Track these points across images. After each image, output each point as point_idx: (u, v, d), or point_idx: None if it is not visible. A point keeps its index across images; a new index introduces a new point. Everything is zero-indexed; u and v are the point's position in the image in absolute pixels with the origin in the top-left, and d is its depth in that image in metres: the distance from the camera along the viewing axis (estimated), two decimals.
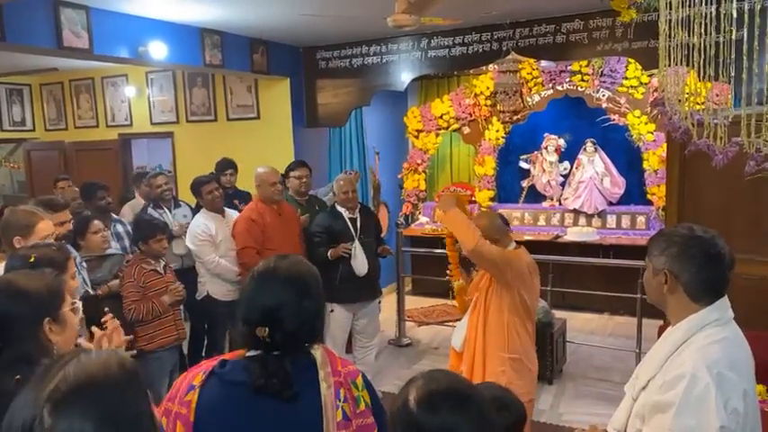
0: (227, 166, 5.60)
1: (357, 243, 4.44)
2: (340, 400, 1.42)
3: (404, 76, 6.09)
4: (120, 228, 4.77)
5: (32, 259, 2.07)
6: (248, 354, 1.46)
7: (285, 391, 1.39)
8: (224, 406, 1.42)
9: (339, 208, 4.54)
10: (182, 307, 4.12)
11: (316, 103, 6.46)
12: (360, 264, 4.41)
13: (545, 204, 7.42)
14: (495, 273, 3.06)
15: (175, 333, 3.77)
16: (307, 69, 6.43)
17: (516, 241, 3.28)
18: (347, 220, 4.49)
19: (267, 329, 1.41)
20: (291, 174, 4.88)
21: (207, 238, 4.53)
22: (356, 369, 1.52)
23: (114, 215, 4.95)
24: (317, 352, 1.48)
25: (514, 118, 7.30)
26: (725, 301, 1.64)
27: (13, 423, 0.88)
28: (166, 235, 4.00)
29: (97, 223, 3.90)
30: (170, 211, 5.19)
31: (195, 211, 5.20)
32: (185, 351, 4.47)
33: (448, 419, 1.11)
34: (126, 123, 7.33)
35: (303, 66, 6.42)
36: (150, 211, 5.11)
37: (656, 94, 4.20)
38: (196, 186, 4.88)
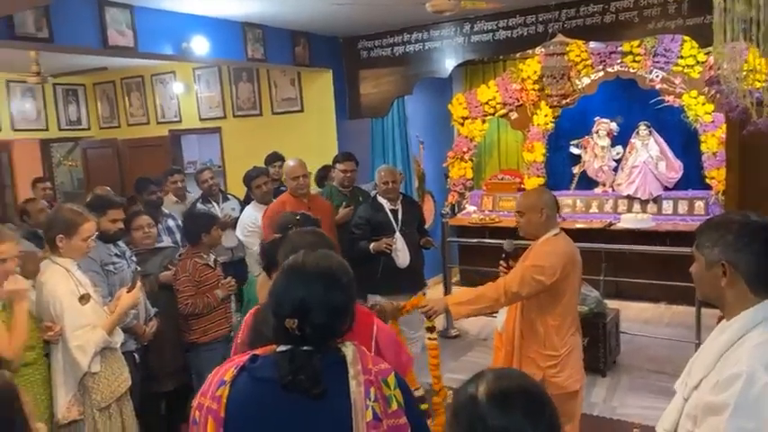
0: (274, 158, 5.66)
1: (399, 235, 4.40)
2: (370, 400, 1.38)
3: (447, 63, 5.97)
4: (170, 222, 4.87)
5: None
6: (278, 349, 1.44)
7: (313, 387, 1.37)
8: (253, 402, 1.40)
9: (380, 199, 4.50)
10: (233, 297, 4.18)
11: (358, 93, 6.43)
12: (402, 256, 4.37)
13: (597, 191, 7.19)
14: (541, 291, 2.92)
15: (227, 326, 3.81)
16: (348, 60, 6.39)
17: (563, 228, 3.13)
18: (388, 212, 4.44)
19: (296, 321, 1.39)
20: (338, 166, 4.88)
21: (255, 229, 4.60)
22: (388, 367, 1.47)
23: (165, 210, 5.06)
24: (348, 349, 1.45)
25: (563, 102, 7.07)
26: None
27: None
28: (219, 224, 4.06)
29: (142, 219, 3.96)
30: (218, 205, 5.27)
31: (244, 203, 5.28)
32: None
33: (518, 421, 1.07)
34: (175, 120, 7.48)
35: (344, 56, 6.39)
36: (199, 205, 5.21)
37: (711, 73, 3.97)
38: (247, 179, 4.99)
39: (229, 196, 5.58)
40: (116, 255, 3.30)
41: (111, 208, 3.30)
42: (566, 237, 2.97)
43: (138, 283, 2.97)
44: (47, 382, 2.68)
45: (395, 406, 1.41)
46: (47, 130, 7.80)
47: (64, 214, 2.77)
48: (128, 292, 2.87)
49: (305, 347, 1.41)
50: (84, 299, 2.65)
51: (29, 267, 2.91)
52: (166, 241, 4.59)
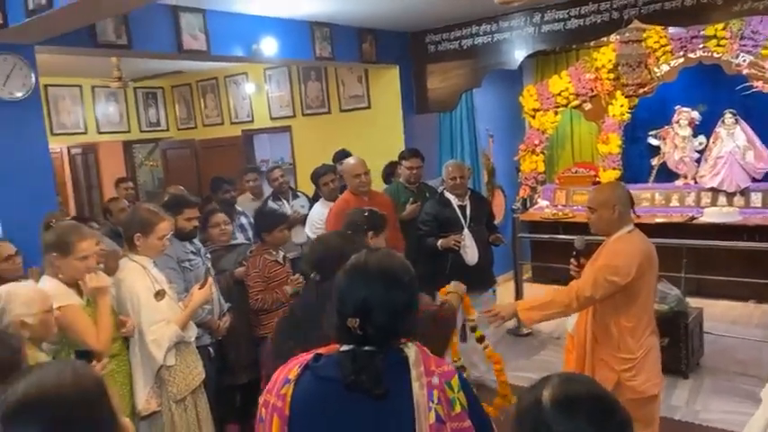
0: (342, 156, 5.70)
1: (467, 231, 4.33)
2: (433, 402, 1.36)
3: (517, 54, 5.83)
4: (243, 220, 5.01)
5: None
6: (341, 348, 1.44)
7: (375, 388, 1.36)
8: (316, 401, 1.41)
9: (448, 195, 4.44)
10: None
11: (425, 88, 6.38)
12: (470, 253, 4.31)
13: (678, 183, 6.84)
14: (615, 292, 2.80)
15: None
16: (415, 55, 6.36)
17: (639, 224, 2.98)
18: (456, 208, 4.39)
19: (357, 321, 1.39)
20: (404, 163, 4.86)
21: (322, 226, 4.65)
22: (452, 369, 1.44)
23: (238, 208, 5.21)
24: (411, 350, 1.43)
25: (640, 91, 6.74)
26: None
27: None
28: (287, 225, 4.14)
29: (219, 216, 4.08)
30: (288, 202, 5.38)
31: (313, 200, 5.36)
32: None
33: (583, 428, 1.04)
34: (248, 120, 7.69)
35: (412, 51, 6.36)
36: (270, 203, 5.33)
37: None
38: (315, 177, 5.06)
39: (299, 194, 5.69)
40: (191, 252, 3.41)
41: (186, 207, 3.41)
42: (640, 233, 2.83)
43: (210, 280, 3.07)
44: (129, 374, 2.80)
45: (458, 408, 1.38)
46: (129, 131, 8.19)
47: (141, 214, 2.88)
48: (199, 288, 2.96)
49: (367, 347, 1.40)
50: (159, 295, 2.76)
51: (110, 265, 3.06)
52: (240, 238, 4.72)
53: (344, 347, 1.43)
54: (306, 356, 1.47)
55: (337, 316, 1.43)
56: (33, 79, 3.74)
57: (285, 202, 5.39)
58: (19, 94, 3.69)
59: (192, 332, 2.97)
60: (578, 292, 2.71)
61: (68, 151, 9.29)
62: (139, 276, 2.78)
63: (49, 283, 2.59)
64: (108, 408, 1.02)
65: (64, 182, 9.53)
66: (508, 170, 7.68)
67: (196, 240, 3.53)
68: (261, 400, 1.47)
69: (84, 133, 7.69)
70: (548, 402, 1.06)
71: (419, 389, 1.36)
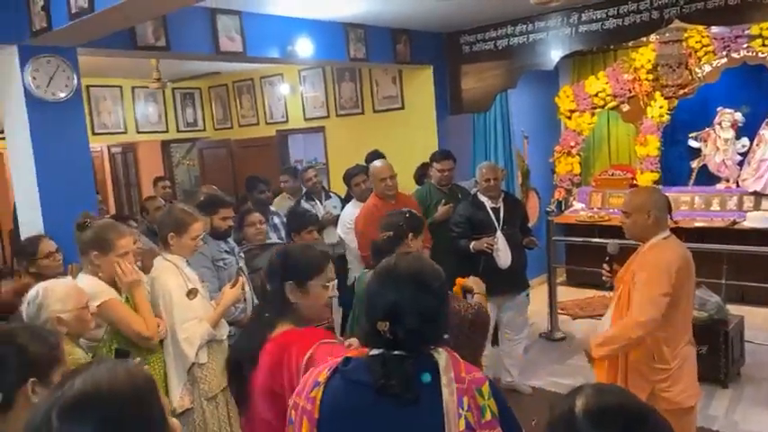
0: (374, 157, 5.70)
1: (500, 234, 4.29)
2: (463, 409, 1.34)
3: (553, 55, 5.75)
4: (276, 219, 5.05)
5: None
6: (371, 352, 1.44)
7: (405, 393, 1.35)
8: (346, 405, 1.41)
9: (481, 197, 4.41)
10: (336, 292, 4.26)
11: (460, 89, 6.34)
12: (503, 256, 4.26)
13: (719, 187, 6.66)
14: None
15: (326, 321, 3.90)
16: (450, 55, 6.33)
17: (677, 228, 2.89)
18: (490, 210, 4.35)
19: (387, 324, 1.39)
20: (435, 165, 4.84)
21: (353, 226, 4.67)
22: (482, 376, 1.43)
23: (272, 208, 5.26)
24: (442, 356, 1.42)
25: (680, 92, 6.60)
26: None
27: (30, 424, 0.97)
28: (317, 226, 4.16)
29: (254, 216, 4.13)
30: (320, 203, 5.41)
31: (345, 201, 5.38)
32: (338, 334, 4.64)
33: None
34: (282, 120, 7.76)
35: (446, 52, 6.33)
36: (303, 203, 5.37)
37: None
38: (347, 178, 5.09)
39: (332, 194, 5.71)
40: (225, 251, 3.46)
41: (221, 207, 3.47)
42: (676, 240, 2.75)
43: (241, 279, 3.10)
44: (164, 373, 2.85)
45: (489, 416, 1.37)
46: (167, 131, 8.35)
47: (175, 214, 2.94)
48: (231, 287, 3.00)
49: (397, 352, 1.40)
50: (191, 293, 2.80)
51: (146, 263, 3.13)
52: (273, 238, 4.77)
53: (374, 351, 1.42)
54: (336, 359, 1.47)
55: (366, 319, 1.43)
56: (75, 80, 3.84)
57: (318, 202, 5.43)
58: (62, 95, 3.79)
59: (224, 330, 3.00)
60: (636, 320, 2.61)
61: (108, 150, 9.54)
62: (172, 275, 2.82)
63: (88, 281, 2.65)
64: (159, 407, 1.04)
65: (104, 180, 9.79)
66: (543, 172, 7.59)
67: (230, 239, 3.58)
68: (290, 402, 1.48)
69: (124, 133, 7.87)
70: (580, 412, 1.05)
71: (449, 395, 1.35)
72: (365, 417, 1.39)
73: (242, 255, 3.67)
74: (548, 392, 4.64)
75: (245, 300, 3.42)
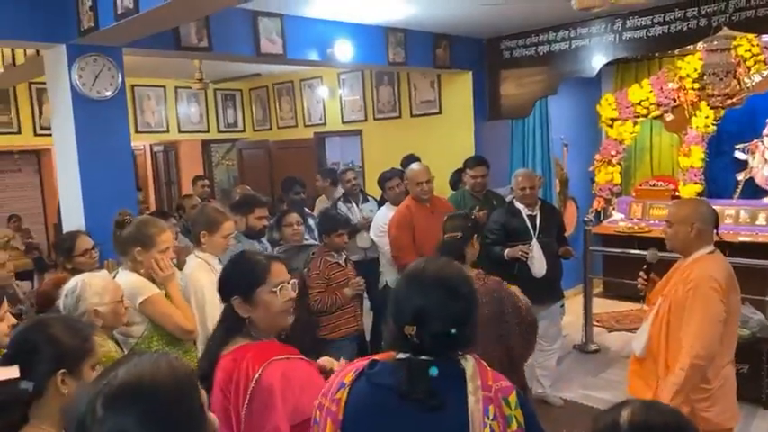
0: (411, 161, 5.69)
1: (535, 242, 4.22)
2: (488, 418, 1.32)
3: (595, 62, 5.65)
4: (311, 221, 5.08)
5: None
6: (397, 356, 1.43)
7: (429, 399, 1.34)
8: (370, 408, 1.40)
9: (517, 204, 4.35)
10: (365, 295, 4.26)
11: (498, 94, 6.29)
12: (538, 265, 4.19)
13: (766, 201, 6.44)
14: None
15: (355, 324, 3.91)
16: (490, 61, 6.28)
17: (721, 242, 2.79)
18: (526, 218, 4.29)
19: (414, 328, 1.38)
20: (468, 171, 4.81)
21: (387, 229, 4.67)
22: (510, 385, 1.40)
23: (307, 209, 5.29)
24: (469, 363, 1.40)
25: (728, 102, 6.41)
26: None
27: (74, 413, 0.99)
28: (348, 230, 4.17)
29: (292, 216, 4.17)
30: (357, 206, 5.43)
31: (380, 204, 5.38)
32: (368, 338, 4.64)
33: None
34: (320, 123, 7.81)
35: (486, 57, 6.28)
36: (340, 205, 5.39)
37: None
38: (381, 181, 5.09)
39: (369, 198, 5.72)
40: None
41: (257, 206, 3.51)
42: (720, 256, 2.66)
43: None
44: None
45: (515, 426, 1.34)
46: (207, 131, 8.50)
47: (207, 212, 2.98)
48: None
49: (423, 357, 1.38)
50: None
51: (182, 260, 3.17)
52: (308, 239, 4.80)
53: (400, 355, 1.41)
54: (362, 361, 1.46)
55: (393, 323, 1.42)
56: (120, 80, 3.94)
57: (354, 204, 5.44)
58: (107, 94, 3.89)
59: None
60: (698, 352, 2.50)
61: (151, 149, 9.74)
62: (204, 272, 2.86)
63: (129, 278, 2.69)
64: (199, 400, 1.05)
65: (146, 178, 10.02)
66: (582, 181, 7.46)
67: (264, 239, 3.61)
68: (316, 402, 1.48)
69: (167, 132, 8.05)
70: (626, 426, 1.05)
71: (475, 403, 1.33)
72: (389, 420, 1.38)
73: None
74: (579, 405, 4.54)
75: None
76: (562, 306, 4.84)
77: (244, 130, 8.85)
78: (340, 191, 5.87)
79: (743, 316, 4.30)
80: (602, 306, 6.53)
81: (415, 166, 4.61)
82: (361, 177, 7.20)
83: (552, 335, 4.57)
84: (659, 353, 2.72)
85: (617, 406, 1.10)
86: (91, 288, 2.27)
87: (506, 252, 4.23)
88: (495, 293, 2.90)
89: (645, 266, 2.99)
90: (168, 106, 7.97)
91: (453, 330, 1.38)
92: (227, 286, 1.86)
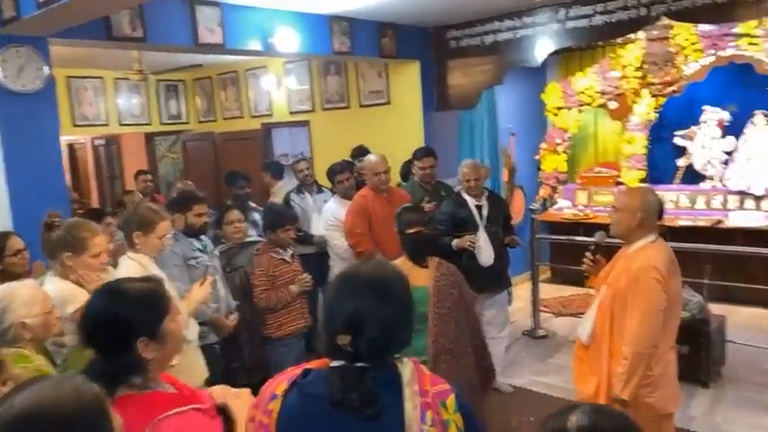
0: (360, 152, 5.64)
1: (482, 232, 4.24)
2: (426, 424, 1.28)
3: (540, 51, 5.68)
4: (256, 216, 4.97)
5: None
6: (331, 364, 1.37)
7: (365, 407, 1.29)
8: (303, 419, 1.35)
9: (464, 195, 4.36)
10: (320, 289, 4.20)
11: (446, 84, 6.27)
12: (485, 254, 4.22)
13: (704, 185, 6.65)
14: None
15: (302, 321, 3.84)
16: (437, 50, 6.25)
17: (666, 228, 2.83)
18: (473, 208, 4.30)
19: (349, 338, 1.32)
20: (416, 163, 4.79)
21: (336, 223, 4.64)
22: (448, 388, 1.37)
23: (252, 204, 5.17)
24: (406, 367, 1.36)
25: (668, 90, 6.58)
26: None
27: None
28: (295, 225, 4.09)
29: (233, 214, 4.06)
30: (311, 196, 5.33)
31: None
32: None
33: None
34: (267, 113, 7.66)
35: (433, 47, 6.25)
36: (293, 196, 5.28)
37: None
38: (331, 174, 5.02)
39: (323, 189, 5.62)
40: (199, 249, 3.38)
41: (195, 203, 3.39)
42: (663, 244, 2.70)
43: (209, 279, 3.02)
44: None
45: (453, 430, 1.31)
46: (150, 124, 8.23)
47: (141, 212, 2.85)
48: (200, 286, 2.92)
49: (358, 364, 1.33)
50: None
51: (118, 260, 3.03)
52: (253, 235, 4.69)
53: (335, 363, 1.36)
54: (295, 371, 1.40)
55: (325, 331, 1.36)
56: (47, 72, 3.74)
57: (308, 195, 5.34)
58: (33, 87, 3.69)
59: (193, 331, 2.93)
60: (642, 343, 2.55)
61: (92, 142, 9.39)
62: (137, 275, 2.73)
63: (59, 285, 2.53)
64: (109, 425, 0.98)
65: (87, 173, 9.66)
66: (529, 169, 7.55)
67: (204, 237, 3.50)
68: (248, 415, 1.41)
69: (106, 125, 7.75)
70: (573, 430, 1.03)
71: (412, 409, 1.29)
72: (324, 431, 1.33)
73: (216, 253, 3.59)
74: (529, 391, 4.61)
75: (218, 299, 3.36)
76: (510, 294, 4.89)
77: (188, 122, 8.60)
78: (288, 184, 5.77)
79: (683, 299, 4.42)
80: (549, 292, 6.65)
81: (372, 156, 4.61)
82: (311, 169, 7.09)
83: (500, 322, 4.61)
84: (603, 341, 2.76)
85: (566, 410, 1.08)
86: (18, 299, 2.13)
87: (454, 242, 4.24)
88: (457, 277, 3.04)
89: (592, 247, 3.03)
90: (107, 98, 7.66)
91: (389, 334, 1.34)
92: (126, 330, 1.46)
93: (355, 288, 1.37)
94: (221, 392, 1.64)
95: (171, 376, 1.58)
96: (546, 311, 6.12)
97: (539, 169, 7.54)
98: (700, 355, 4.38)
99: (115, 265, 2.93)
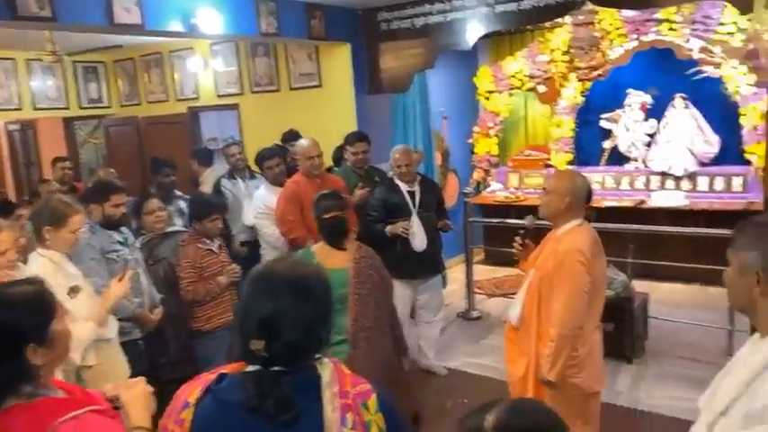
0: (291, 136, 5.51)
1: (415, 217, 4.23)
2: (347, 426, 1.24)
3: (470, 35, 5.68)
4: (182, 204, 4.78)
5: None
6: (247, 369, 1.30)
7: (281, 413, 1.23)
8: (218, 427, 1.27)
9: (397, 181, 4.33)
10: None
11: (378, 68, 6.19)
12: (418, 239, 4.22)
13: (628, 167, 6.88)
14: None
15: (232, 313, 3.72)
16: (367, 33, 6.15)
17: (592, 212, 2.90)
18: (405, 194, 4.28)
19: (262, 343, 1.25)
20: (348, 148, 4.72)
21: (266, 211, 4.53)
22: (369, 388, 1.32)
23: (178, 192, 4.97)
24: (326, 369, 1.30)
25: (593, 74, 6.74)
26: None
27: None
28: (222, 214, 3.95)
29: (153, 203, 3.88)
30: (243, 181, 5.16)
31: None
32: None
33: None
34: (194, 97, 7.38)
35: (363, 29, 6.15)
36: (224, 182, 5.11)
37: (751, 46, 3.63)
38: (260, 160, 4.88)
39: (257, 175, 5.46)
40: (119, 242, 3.21)
41: (113, 193, 3.20)
42: (588, 227, 2.76)
43: (129, 273, 2.87)
44: None
45: (375, 431, 1.27)
46: (68, 108, 7.79)
47: (52, 205, 2.67)
48: (118, 281, 2.77)
49: (275, 368, 1.27)
50: (73, 291, 2.57)
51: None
52: (179, 223, 4.52)
53: (250, 367, 1.29)
54: (210, 376, 1.32)
55: (239, 335, 1.29)
56: None
57: (240, 180, 5.17)
58: None
59: (112, 328, 2.78)
60: (566, 325, 2.61)
61: (6, 127, 8.82)
62: (48, 273, 2.56)
63: None
64: None
65: (2, 159, 9.07)
66: (462, 153, 7.61)
67: (124, 229, 3.33)
68: (160, 423, 1.33)
69: (19, 109, 7.28)
70: (489, 430, 1.01)
71: (331, 412, 1.24)
72: None
73: (137, 245, 3.42)
74: (463, 373, 4.68)
75: (141, 293, 3.21)
76: (443, 278, 4.91)
77: (110, 106, 8.19)
78: (219, 170, 5.57)
79: (608, 277, 4.55)
80: (483, 273, 6.75)
81: (304, 141, 4.50)
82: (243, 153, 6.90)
83: (435, 306, 4.63)
84: (531, 323, 2.81)
85: (484, 407, 1.05)
86: None
87: (388, 229, 4.22)
88: (376, 260, 3.11)
89: (522, 231, 3.07)
90: (20, 81, 7.19)
91: (308, 336, 1.28)
92: (12, 338, 1.38)
93: (270, 288, 1.30)
94: (111, 387, 1.57)
95: (60, 380, 1.51)
96: (480, 293, 6.21)
97: (472, 153, 7.61)
98: (624, 332, 4.54)
99: (26, 261, 2.74)
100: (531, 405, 1.09)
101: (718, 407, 1.35)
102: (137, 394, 1.49)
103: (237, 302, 3.77)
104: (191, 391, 1.31)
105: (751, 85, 5.76)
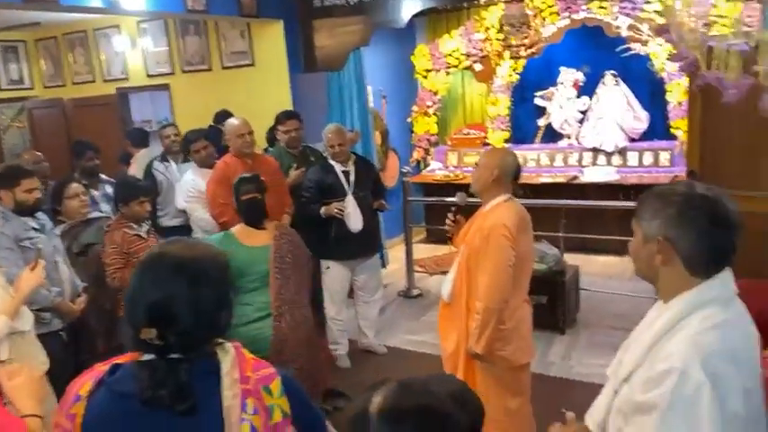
0: (223, 117, 5.34)
1: (350, 198, 4.20)
2: (247, 413, 1.20)
3: (405, 12, 5.63)
4: (108, 189, 4.59)
5: None
6: (141, 358, 1.24)
7: (177, 403, 1.18)
8: (111, 420, 1.21)
9: (331, 161, 4.28)
10: None
11: (312, 45, 6.08)
12: (354, 220, 4.19)
13: (562, 143, 7.02)
14: None
15: None
16: (301, 10, 6.02)
17: (524, 184, 2.95)
18: (340, 174, 4.23)
19: (154, 331, 1.19)
20: (279, 127, 4.63)
21: (197, 194, 4.42)
22: (273, 372, 1.29)
23: (104, 176, 4.77)
24: (227, 355, 1.25)
25: (527, 52, 6.81)
26: (728, 275, 1.35)
27: None
28: (150, 197, 3.81)
29: (75, 187, 3.72)
30: (176, 164, 4.99)
31: None
32: None
33: None
34: (122, 77, 7.08)
35: (297, 6, 6.02)
36: (156, 164, 4.94)
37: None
38: (185, 143, 4.73)
39: (190, 158, 5.29)
40: (34, 228, 3.05)
41: (22, 178, 3.03)
42: (515, 203, 2.79)
43: (42, 262, 2.73)
44: None
45: (278, 417, 1.24)
46: None
47: None
48: (31, 271, 2.64)
49: (172, 356, 1.21)
50: None
51: None
52: (106, 209, 4.35)
53: (145, 357, 1.23)
54: (102, 367, 1.26)
55: (129, 324, 1.22)
56: None
57: (173, 163, 4.99)
58: None
59: (27, 320, 2.64)
60: (492, 299, 2.66)
61: None
62: None
63: None
64: None
65: None
66: (402, 132, 7.59)
67: (41, 215, 3.16)
68: (52, 421, 1.26)
69: None
70: (375, 413, 1.00)
71: (231, 399, 1.20)
72: None
73: (56, 232, 3.27)
74: (402, 351, 4.71)
75: (61, 281, 3.07)
76: (381, 257, 4.91)
77: (33, 88, 7.78)
78: (154, 152, 5.38)
79: (541, 252, 4.67)
80: (424, 252, 6.79)
81: (233, 119, 4.40)
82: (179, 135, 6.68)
83: (373, 286, 4.63)
84: (462, 298, 2.85)
85: (372, 389, 1.04)
86: None
87: (322, 210, 4.17)
88: (295, 237, 3.29)
89: (453, 208, 3.10)
90: None
91: (204, 322, 1.23)
92: None
93: (159, 272, 1.23)
94: None
95: None
96: (421, 271, 6.25)
97: (411, 132, 7.60)
98: (556, 305, 4.66)
99: None
100: (419, 386, 1.05)
101: (623, 374, 1.38)
102: (21, 383, 1.41)
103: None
104: (82, 384, 1.25)
105: (670, 60, 5.91)
